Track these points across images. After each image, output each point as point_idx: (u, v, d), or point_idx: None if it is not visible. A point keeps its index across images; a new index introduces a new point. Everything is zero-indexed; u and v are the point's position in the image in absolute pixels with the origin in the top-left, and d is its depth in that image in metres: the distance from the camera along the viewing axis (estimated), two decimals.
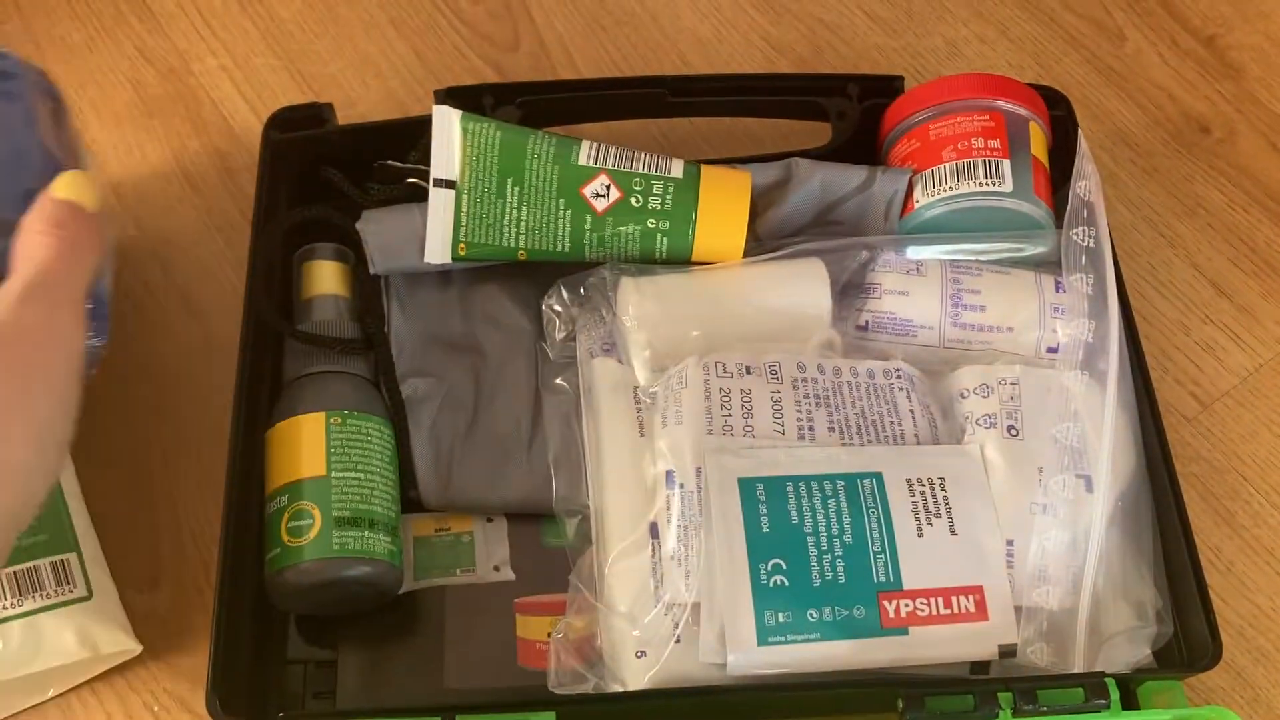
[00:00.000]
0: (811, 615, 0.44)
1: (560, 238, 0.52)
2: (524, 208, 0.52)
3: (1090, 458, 0.48)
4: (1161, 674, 0.47)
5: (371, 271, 0.54)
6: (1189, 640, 0.48)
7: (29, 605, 0.49)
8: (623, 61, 0.68)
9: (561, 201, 0.52)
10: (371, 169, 0.57)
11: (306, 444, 0.49)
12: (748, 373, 0.48)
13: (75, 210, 0.41)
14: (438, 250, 0.53)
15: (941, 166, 0.54)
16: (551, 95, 0.59)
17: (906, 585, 0.45)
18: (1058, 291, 0.51)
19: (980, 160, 0.53)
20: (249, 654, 0.48)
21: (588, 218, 0.52)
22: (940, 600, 0.45)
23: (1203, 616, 0.47)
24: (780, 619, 0.43)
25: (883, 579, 0.45)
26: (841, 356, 0.50)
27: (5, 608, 0.49)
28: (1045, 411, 0.48)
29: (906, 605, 0.44)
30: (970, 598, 0.45)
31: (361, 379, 0.53)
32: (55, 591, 0.50)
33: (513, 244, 0.53)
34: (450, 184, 0.53)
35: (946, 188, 0.53)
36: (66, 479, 0.53)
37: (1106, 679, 0.45)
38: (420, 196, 0.55)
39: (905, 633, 0.44)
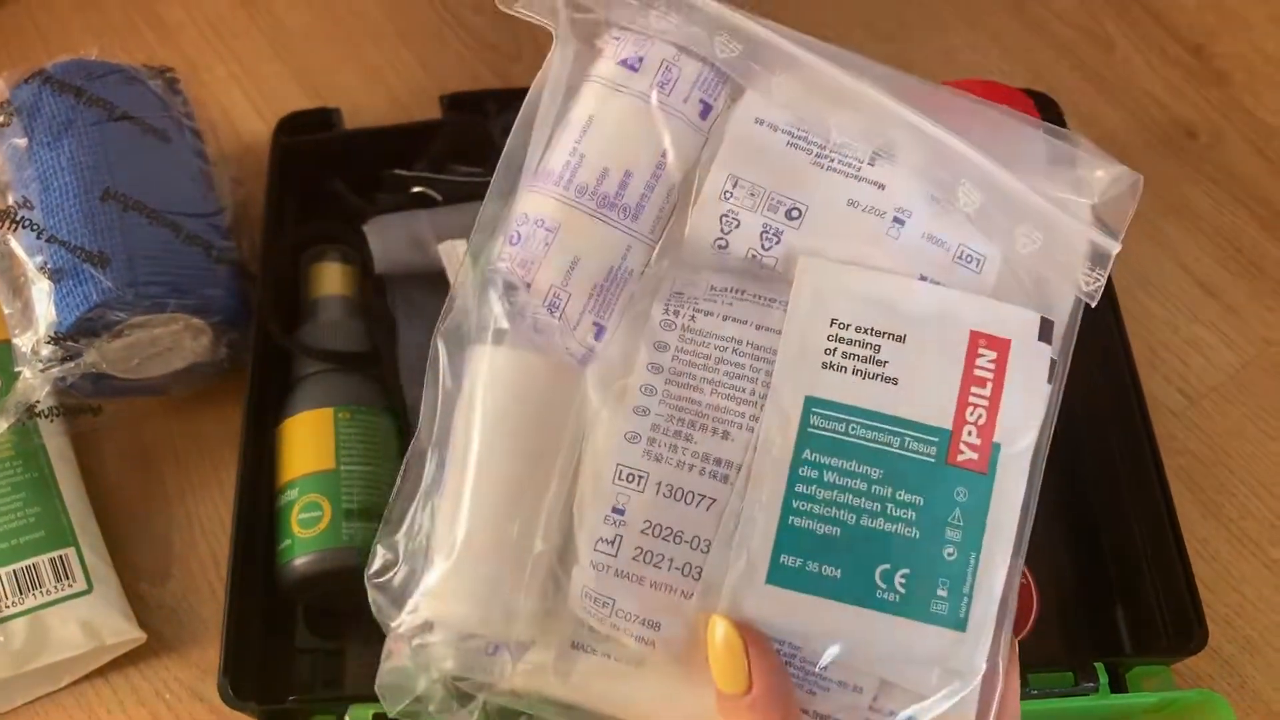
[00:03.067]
0: None
1: None
2: None
3: None
4: (1150, 659, 0.48)
5: (375, 271, 0.56)
6: (1176, 625, 0.49)
7: (30, 602, 0.50)
8: None
9: None
10: (378, 175, 0.58)
11: (316, 438, 0.51)
12: None
13: None
14: None
15: None
16: None
17: None
18: None
19: None
20: (258, 643, 0.49)
21: None
22: None
23: (1189, 601, 0.48)
24: None
25: None
26: None
27: (7, 606, 0.50)
28: None
29: None
30: None
31: (368, 375, 0.54)
32: (55, 587, 0.51)
33: None
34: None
35: None
36: (64, 475, 0.54)
37: (1095, 664, 0.46)
38: (426, 203, 0.57)
39: None
